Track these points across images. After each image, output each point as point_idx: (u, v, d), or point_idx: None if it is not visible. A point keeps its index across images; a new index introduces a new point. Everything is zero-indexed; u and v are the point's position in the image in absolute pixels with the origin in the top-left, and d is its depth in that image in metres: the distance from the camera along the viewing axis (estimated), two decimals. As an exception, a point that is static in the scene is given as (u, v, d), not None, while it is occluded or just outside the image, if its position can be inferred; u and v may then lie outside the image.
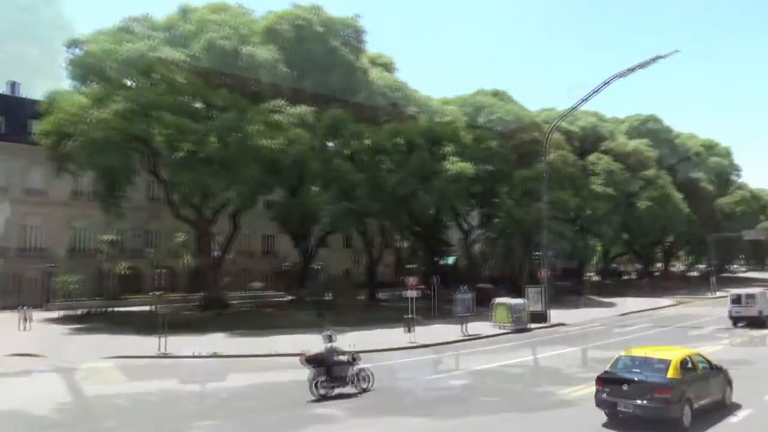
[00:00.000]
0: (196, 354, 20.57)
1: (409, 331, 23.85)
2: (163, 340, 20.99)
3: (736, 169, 72.42)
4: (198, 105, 31.38)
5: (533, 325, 29.54)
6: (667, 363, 12.03)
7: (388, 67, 41.36)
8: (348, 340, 18.18)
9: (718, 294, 50.03)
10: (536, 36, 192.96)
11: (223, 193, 32.81)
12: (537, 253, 38.01)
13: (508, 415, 13.55)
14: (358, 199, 33.53)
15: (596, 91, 29.46)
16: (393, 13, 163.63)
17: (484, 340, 26.04)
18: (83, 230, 41.52)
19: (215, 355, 20.63)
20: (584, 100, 30.31)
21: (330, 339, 15.28)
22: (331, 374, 14.72)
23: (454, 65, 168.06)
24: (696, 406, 11.98)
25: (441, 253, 51.99)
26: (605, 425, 11.97)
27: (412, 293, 24.76)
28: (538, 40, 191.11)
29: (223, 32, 31.09)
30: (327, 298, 38.26)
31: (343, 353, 15.28)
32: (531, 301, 31.04)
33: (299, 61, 33.72)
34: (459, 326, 26.40)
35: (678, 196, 57.51)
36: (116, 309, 34.81)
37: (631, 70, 28.10)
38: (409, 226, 46.02)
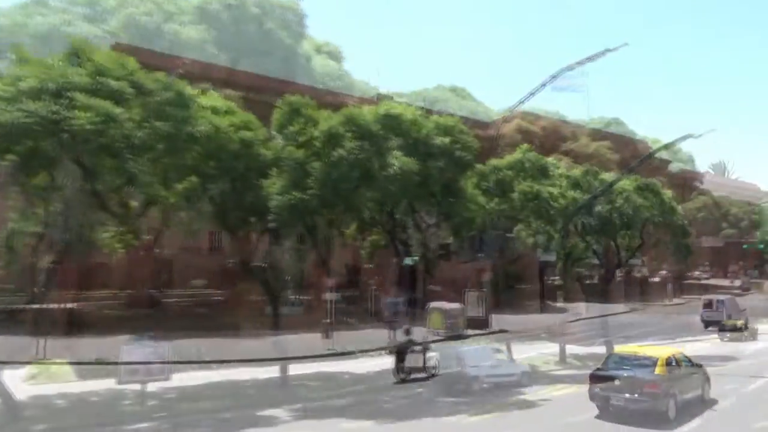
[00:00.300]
0: (77, 360, 18.57)
1: (327, 337, 22.07)
2: (42, 342, 18.89)
3: (698, 174, 72.69)
4: (126, 87, 29.17)
5: (471, 332, 28.04)
6: (654, 360, 13.25)
7: (334, 55, 39.38)
8: (262, 346, 17.11)
9: (675, 301, 49.52)
10: (508, 35, 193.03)
11: (152, 183, 30.63)
12: (480, 254, 36.73)
13: None
14: (309, 189, 31.46)
15: (544, 85, 28.52)
16: (356, 4, 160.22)
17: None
18: (10, 223, 38.92)
19: (99, 362, 18.57)
20: (532, 94, 29.43)
21: (408, 333, 18.82)
22: (409, 362, 18.06)
23: (421, 61, 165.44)
24: (680, 400, 13.22)
25: (407, 253, 50.37)
26: (598, 417, 12.84)
27: (331, 296, 23.05)
28: (509, 39, 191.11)
29: (145, 8, 28.80)
30: (263, 298, 36.27)
31: (418, 345, 18.66)
32: (471, 305, 29.50)
33: (233, 43, 31.58)
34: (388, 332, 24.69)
35: (640, 200, 56.85)
36: (30, 306, 32.31)
37: (580, 63, 27.08)
38: (366, 224, 44.21)
